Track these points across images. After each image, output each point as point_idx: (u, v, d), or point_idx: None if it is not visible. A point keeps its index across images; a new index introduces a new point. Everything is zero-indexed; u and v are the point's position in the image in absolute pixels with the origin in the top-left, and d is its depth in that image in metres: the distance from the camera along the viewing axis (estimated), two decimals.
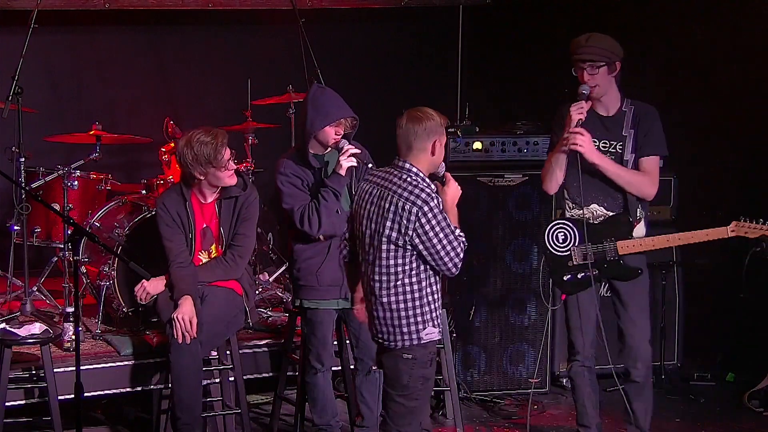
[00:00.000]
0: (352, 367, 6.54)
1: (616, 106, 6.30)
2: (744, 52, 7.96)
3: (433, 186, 5.42)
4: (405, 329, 5.42)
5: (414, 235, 5.33)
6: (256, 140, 8.11)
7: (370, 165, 6.19)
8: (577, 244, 6.30)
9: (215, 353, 6.71)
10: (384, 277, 5.42)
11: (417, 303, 5.42)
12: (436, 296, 5.47)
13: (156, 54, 9.33)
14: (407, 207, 5.33)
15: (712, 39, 8.10)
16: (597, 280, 6.30)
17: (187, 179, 6.47)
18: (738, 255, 7.52)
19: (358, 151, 6.22)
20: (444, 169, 5.58)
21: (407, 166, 5.42)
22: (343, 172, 6.21)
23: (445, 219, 5.35)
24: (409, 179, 5.39)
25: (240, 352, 6.72)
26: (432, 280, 5.46)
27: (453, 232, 5.37)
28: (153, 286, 6.46)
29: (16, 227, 7.44)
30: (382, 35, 9.74)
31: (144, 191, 7.74)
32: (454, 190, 5.55)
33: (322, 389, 6.48)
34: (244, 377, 6.72)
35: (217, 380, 6.72)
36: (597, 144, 6.27)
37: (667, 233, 6.31)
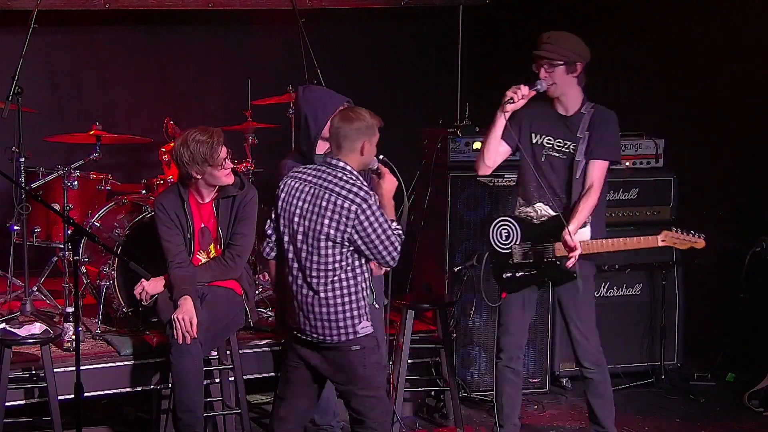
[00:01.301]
0: None
1: (576, 107, 6.32)
2: (744, 52, 7.96)
3: (365, 183, 5.57)
4: (342, 323, 5.54)
5: (353, 232, 5.48)
6: (256, 140, 8.10)
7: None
8: (518, 242, 6.34)
9: (215, 353, 6.70)
10: (322, 273, 5.53)
11: (353, 297, 5.56)
12: (366, 291, 5.61)
13: (156, 54, 9.32)
14: (346, 205, 5.46)
15: (712, 39, 8.09)
16: (534, 280, 6.35)
17: (184, 179, 6.48)
18: (738, 255, 7.53)
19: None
20: (377, 163, 5.73)
21: (341, 164, 5.56)
22: None
23: (382, 215, 5.51)
24: (344, 177, 5.53)
25: (240, 352, 6.71)
26: (366, 275, 5.61)
27: (390, 227, 5.52)
28: (152, 287, 6.45)
29: (16, 227, 7.43)
30: (382, 35, 9.73)
31: (144, 191, 7.73)
32: (389, 183, 5.72)
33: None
34: (245, 377, 6.71)
35: (217, 380, 6.71)
36: (552, 142, 6.31)
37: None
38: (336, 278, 5.53)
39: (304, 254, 5.56)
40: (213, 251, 6.58)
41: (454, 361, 7.21)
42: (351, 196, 5.48)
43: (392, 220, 5.62)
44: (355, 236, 5.49)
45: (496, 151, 6.36)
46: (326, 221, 5.50)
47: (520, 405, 6.64)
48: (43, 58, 8.72)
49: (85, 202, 7.57)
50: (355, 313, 5.56)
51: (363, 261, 5.59)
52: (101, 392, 6.74)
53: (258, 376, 7.12)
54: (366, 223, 5.48)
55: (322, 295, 5.55)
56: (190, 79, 9.35)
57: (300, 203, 5.57)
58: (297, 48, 7.75)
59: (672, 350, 7.92)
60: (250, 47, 9.38)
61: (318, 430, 6.55)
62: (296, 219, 5.57)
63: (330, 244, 5.51)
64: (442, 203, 7.51)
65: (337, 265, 5.52)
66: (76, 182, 7.38)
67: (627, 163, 7.87)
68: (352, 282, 5.56)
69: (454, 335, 7.39)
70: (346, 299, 5.55)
